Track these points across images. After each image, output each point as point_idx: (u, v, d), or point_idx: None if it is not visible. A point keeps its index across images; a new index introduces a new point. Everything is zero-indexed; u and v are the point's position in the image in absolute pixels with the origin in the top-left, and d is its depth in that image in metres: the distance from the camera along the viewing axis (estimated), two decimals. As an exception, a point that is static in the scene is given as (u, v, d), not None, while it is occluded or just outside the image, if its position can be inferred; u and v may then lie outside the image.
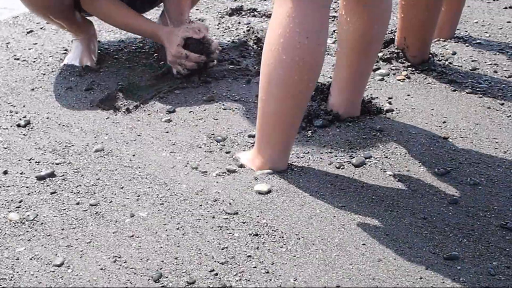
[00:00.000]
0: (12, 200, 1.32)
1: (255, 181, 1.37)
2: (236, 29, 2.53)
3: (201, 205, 1.29)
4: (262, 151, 1.42)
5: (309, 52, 1.27)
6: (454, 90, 1.88)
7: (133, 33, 2.16)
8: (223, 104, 1.83)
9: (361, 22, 1.53)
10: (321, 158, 1.49)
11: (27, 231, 1.21)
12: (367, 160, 1.47)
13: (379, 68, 2.02)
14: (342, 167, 1.45)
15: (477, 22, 2.60)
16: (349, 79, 1.63)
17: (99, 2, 1.98)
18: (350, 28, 1.55)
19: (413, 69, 2.01)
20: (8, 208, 1.29)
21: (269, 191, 1.33)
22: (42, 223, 1.24)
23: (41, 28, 2.52)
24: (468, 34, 2.44)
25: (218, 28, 2.54)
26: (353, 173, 1.42)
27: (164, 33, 1.93)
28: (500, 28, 2.51)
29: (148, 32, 1.99)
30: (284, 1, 1.27)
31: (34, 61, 2.13)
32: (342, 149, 1.52)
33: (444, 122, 1.67)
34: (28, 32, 2.45)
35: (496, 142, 1.56)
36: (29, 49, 2.26)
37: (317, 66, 1.31)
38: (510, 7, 2.79)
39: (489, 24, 2.57)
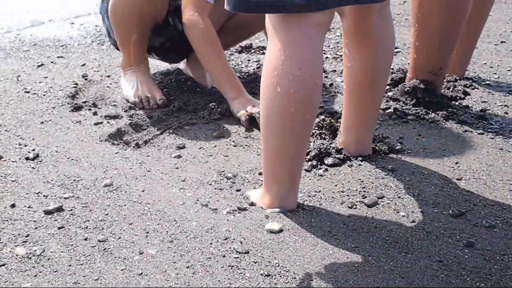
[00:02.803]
0: (19, 234, 1.29)
1: (266, 220, 1.35)
2: (246, 66, 2.55)
3: (211, 243, 1.26)
4: (269, 188, 1.40)
5: (303, 83, 1.26)
6: (465, 131, 1.86)
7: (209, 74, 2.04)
8: (233, 141, 1.82)
9: (364, 57, 1.53)
10: (333, 197, 1.47)
11: (34, 267, 1.19)
12: (380, 200, 1.45)
13: (389, 108, 2.02)
14: (354, 206, 1.42)
15: (485, 63, 2.61)
16: (358, 117, 1.62)
17: (199, 28, 1.93)
18: (354, 65, 1.55)
19: (424, 108, 2.00)
20: (14, 242, 1.26)
21: (280, 230, 1.30)
22: (49, 259, 1.21)
23: (52, 62, 2.53)
24: (477, 75, 2.45)
25: (227, 65, 2.56)
26: (366, 213, 1.40)
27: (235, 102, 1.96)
28: (509, 70, 2.51)
29: (227, 91, 1.98)
30: (275, 35, 1.27)
31: (44, 95, 2.13)
32: (354, 189, 1.50)
33: (456, 163, 1.65)
34: (39, 66, 2.47)
35: (510, 184, 1.54)
36: (40, 82, 2.27)
37: (313, 97, 1.29)
38: (518, 50, 2.81)
39: (498, 65, 2.58)
